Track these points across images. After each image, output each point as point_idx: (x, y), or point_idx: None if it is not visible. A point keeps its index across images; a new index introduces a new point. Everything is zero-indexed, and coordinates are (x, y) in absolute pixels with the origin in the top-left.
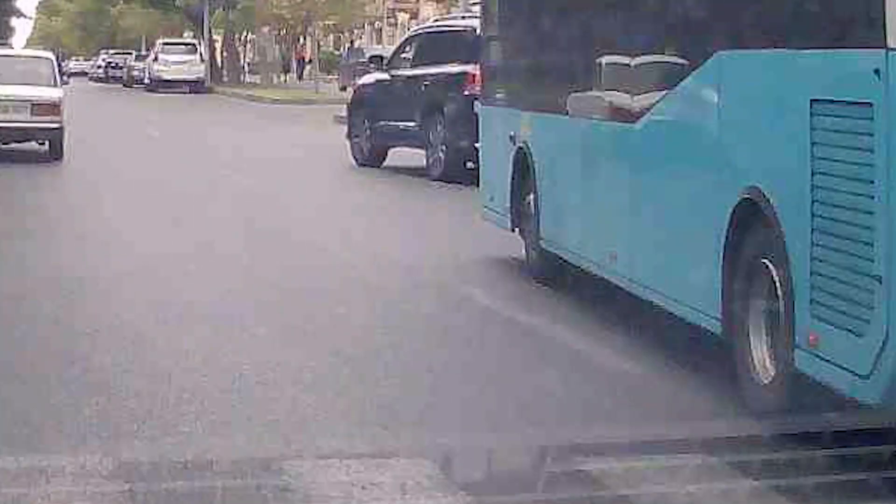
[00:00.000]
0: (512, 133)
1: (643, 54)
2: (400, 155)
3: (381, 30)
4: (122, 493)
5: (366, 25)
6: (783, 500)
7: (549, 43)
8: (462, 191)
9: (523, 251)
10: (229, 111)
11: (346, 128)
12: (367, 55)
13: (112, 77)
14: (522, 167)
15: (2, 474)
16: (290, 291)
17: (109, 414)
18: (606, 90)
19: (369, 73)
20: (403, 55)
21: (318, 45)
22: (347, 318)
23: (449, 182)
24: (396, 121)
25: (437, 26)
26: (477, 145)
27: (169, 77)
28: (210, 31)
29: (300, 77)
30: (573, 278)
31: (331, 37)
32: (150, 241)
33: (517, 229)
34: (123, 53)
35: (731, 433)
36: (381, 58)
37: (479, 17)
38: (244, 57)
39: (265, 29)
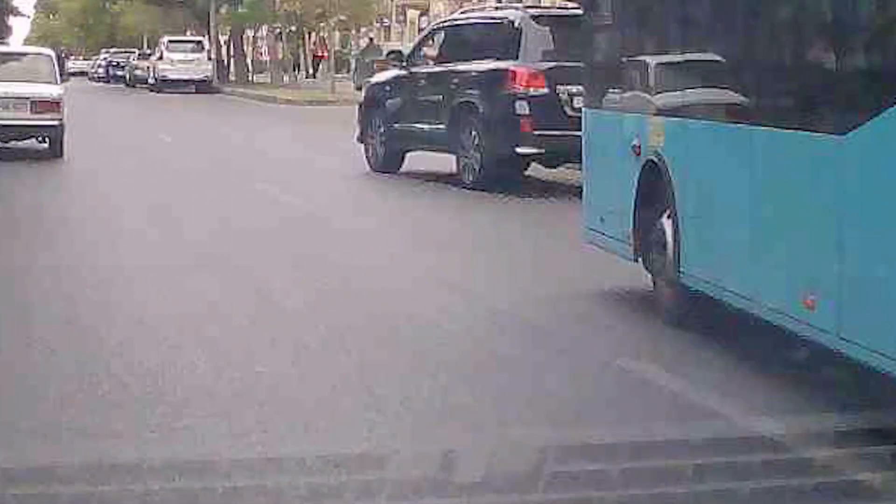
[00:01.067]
0: (636, 142)
1: (859, 48)
2: (420, 159)
3: (389, 27)
4: (122, 493)
5: (374, 22)
6: (783, 499)
7: (702, 30)
8: (511, 201)
9: (649, 285)
10: (242, 113)
11: (357, 130)
12: (386, 51)
13: (114, 77)
14: (651, 184)
15: (3, 474)
16: (383, 367)
17: (111, 414)
18: (793, 90)
19: (386, 70)
20: (425, 50)
21: (326, 43)
22: (446, 390)
23: (483, 190)
24: (418, 122)
25: (468, 18)
26: (519, 150)
27: (175, 76)
28: (216, 29)
29: (314, 76)
30: (723, 323)
31: (336, 34)
32: (186, 301)
33: (641, 259)
34: (125, 52)
35: (732, 433)
36: (401, 53)
37: (583, 5)
38: (251, 55)
39: (274, 26)
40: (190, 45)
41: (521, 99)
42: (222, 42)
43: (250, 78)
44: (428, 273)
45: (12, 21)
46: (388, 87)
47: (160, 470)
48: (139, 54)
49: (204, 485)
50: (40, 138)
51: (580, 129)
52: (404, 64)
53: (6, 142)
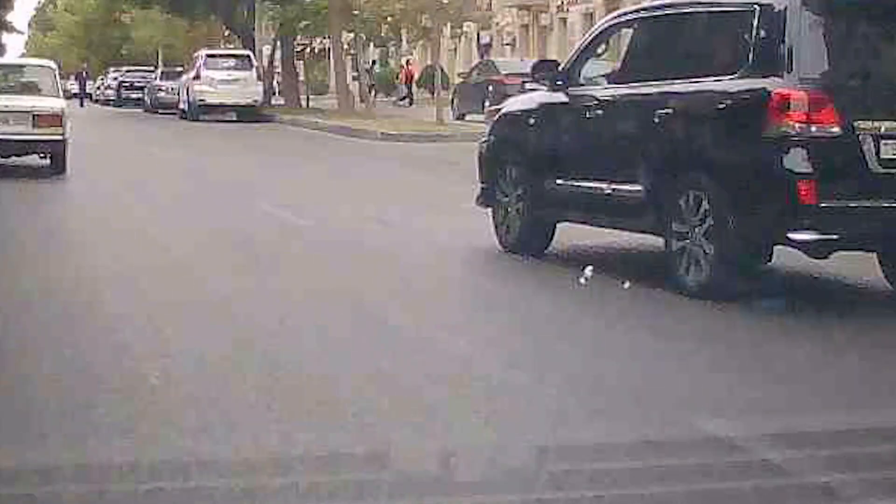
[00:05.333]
0: None
1: None
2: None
3: (438, 44)
4: (122, 493)
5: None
6: (783, 500)
7: None
8: (799, 329)
9: None
10: (330, 152)
11: (479, 186)
12: (531, 64)
13: (127, 100)
14: None
15: (3, 474)
16: None
17: (112, 415)
18: None
19: (522, 92)
20: (591, 62)
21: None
22: None
23: (719, 302)
24: (589, 179)
25: (678, 5)
26: (794, 236)
27: (215, 100)
28: (257, 42)
29: (409, 101)
30: None
31: (372, 48)
32: None
33: None
34: (142, 70)
35: (732, 433)
36: (554, 65)
37: None
38: (305, 73)
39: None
40: (234, 61)
41: (794, 145)
42: (265, 57)
43: (305, 102)
44: None
45: (6, 38)
46: (530, 121)
47: (160, 470)
48: (163, 72)
49: (204, 485)
50: (42, 154)
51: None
52: (560, 83)
53: (6, 157)
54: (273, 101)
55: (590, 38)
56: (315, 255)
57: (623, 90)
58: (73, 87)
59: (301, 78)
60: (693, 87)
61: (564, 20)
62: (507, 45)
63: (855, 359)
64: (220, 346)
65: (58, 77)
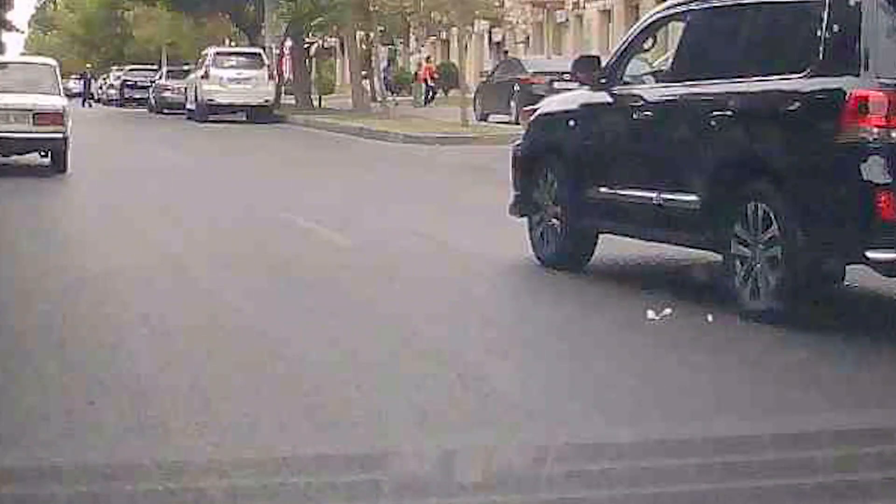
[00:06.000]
0: None
1: None
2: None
3: (447, 42)
4: (122, 493)
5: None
6: (783, 500)
7: None
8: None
9: None
10: (361, 159)
11: (513, 194)
12: (573, 60)
13: (130, 100)
14: None
15: (3, 474)
16: None
17: (112, 415)
18: None
19: (550, 92)
20: (645, 58)
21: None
22: None
23: (787, 325)
24: (636, 188)
25: None
26: (874, 255)
27: (225, 100)
28: (272, 38)
29: (428, 100)
30: None
31: (380, 47)
32: None
33: None
34: (147, 69)
35: (732, 433)
36: (595, 62)
37: None
38: (317, 72)
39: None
40: (245, 60)
41: (872, 152)
42: (273, 55)
43: (317, 102)
44: None
45: (6, 37)
46: (571, 123)
47: (159, 470)
48: (169, 71)
49: (204, 485)
50: (42, 152)
51: None
52: (604, 81)
53: (7, 155)
54: (281, 101)
55: (636, 33)
56: (364, 281)
57: (676, 90)
58: (76, 86)
59: (311, 77)
60: (756, 86)
61: (581, 17)
62: (521, 43)
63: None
64: (231, 358)
65: (59, 75)
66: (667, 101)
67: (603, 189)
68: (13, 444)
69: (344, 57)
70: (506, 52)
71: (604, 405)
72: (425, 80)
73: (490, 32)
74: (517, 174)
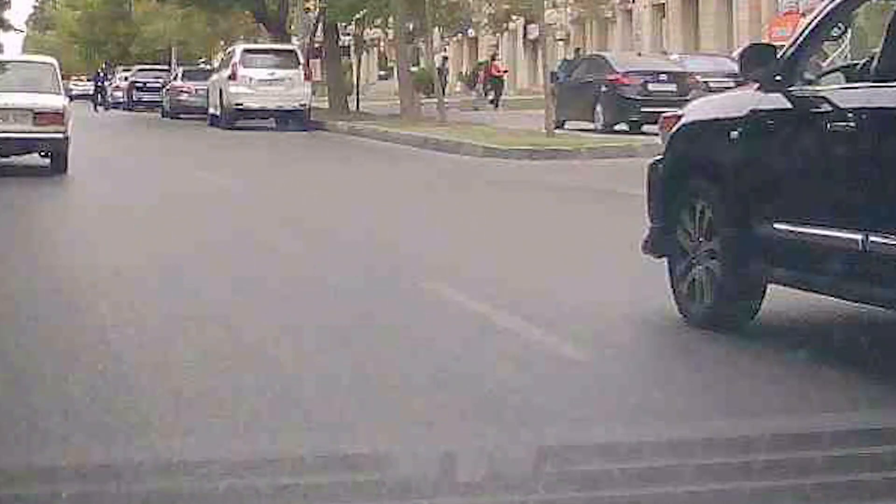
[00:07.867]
0: None
1: None
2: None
3: (475, 38)
4: (122, 493)
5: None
6: (783, 500)
7: None
8: None
9: None
10: (455, 183)
11: (649, 227)
12: (741, 50)
13: (139, 102)
14: None
15: (3, 474)
16: None
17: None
18: None
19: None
20: (816, 49)
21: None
22: None
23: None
24: (830, 224)
25: None
26: None
27: (256, 104)
28: (294, 39)
29: (496, 104)
30: None
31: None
32: None
33: None
34: (157, 69)
35: (732, 433)
36: (770, 51)
37: None
38: (357, 70)
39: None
40: (276, 58)
41: None
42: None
43: (355, 105)
44: None
45: (4, 37)
46: (731, 135)
47: (160, 470)
48: (185, 72)
49: (204, 485)
50: (42, 153)
51: None
52: (779, 78)
53: (6, 156)
54: (324, 104)
55: (820, 17)
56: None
57: (886, 92)
58: (81, 88)
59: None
60: None
61: (630, 12)
62: (561, 40)
63: None
64: (223, 352)
65: (59, 74)
66: (873, 107)
67: (779, 226)
68: (13, 445)
69: (357, 55)
70: (577, 49)
71: (604, 405)
72: (491, 79)
73: (525, 29)
74: (655, 202)
